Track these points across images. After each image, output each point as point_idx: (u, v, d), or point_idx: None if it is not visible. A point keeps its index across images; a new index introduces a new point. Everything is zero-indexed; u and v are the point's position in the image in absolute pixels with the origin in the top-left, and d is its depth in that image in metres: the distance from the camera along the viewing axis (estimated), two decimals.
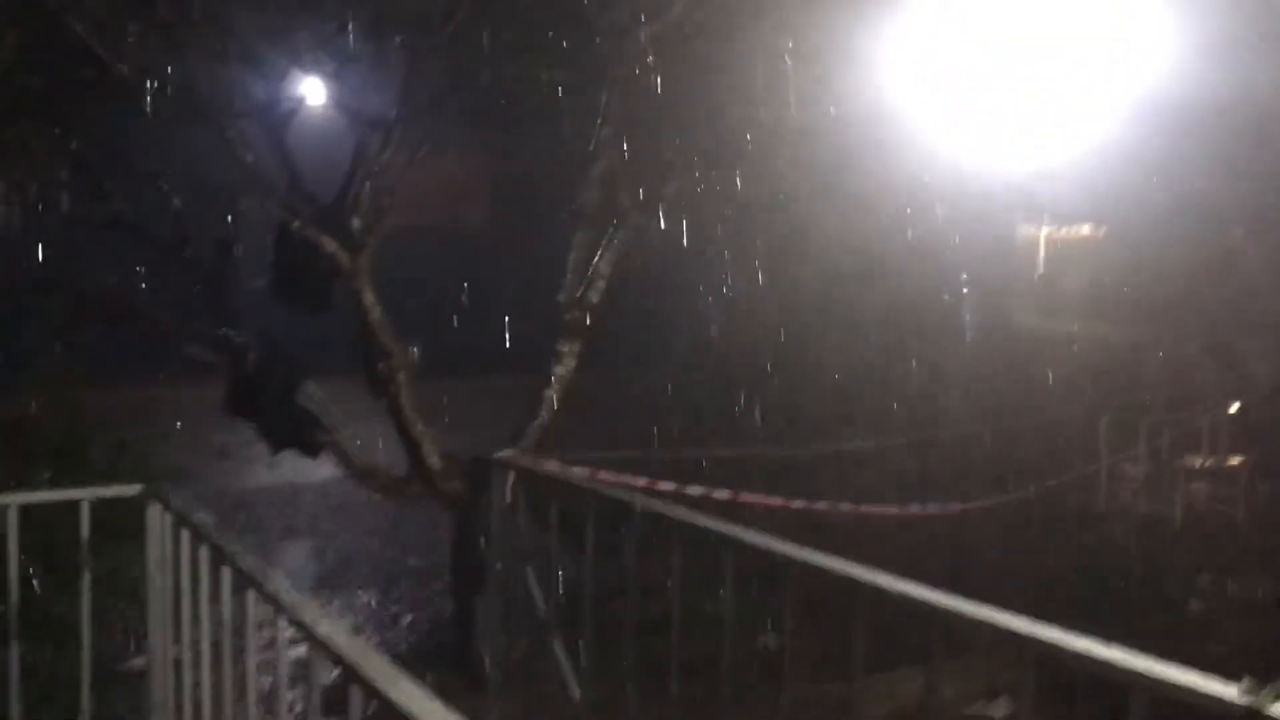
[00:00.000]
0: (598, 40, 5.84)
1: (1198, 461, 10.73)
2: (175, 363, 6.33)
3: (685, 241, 6.96)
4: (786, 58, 6.59)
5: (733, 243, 8.02)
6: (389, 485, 6.57)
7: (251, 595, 3.09)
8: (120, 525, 4.52)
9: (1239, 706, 2.17)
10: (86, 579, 4.13)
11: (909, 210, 9.39)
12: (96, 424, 5.48)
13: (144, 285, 6.47)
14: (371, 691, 2.31)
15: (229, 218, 6.63)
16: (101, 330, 6.20)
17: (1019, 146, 8.95)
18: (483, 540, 6.22)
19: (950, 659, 6.15)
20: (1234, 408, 10.80)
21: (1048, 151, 9.11)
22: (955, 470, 9.36)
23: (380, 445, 6.68)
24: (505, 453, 4.85)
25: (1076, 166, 10.46)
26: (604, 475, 4.79)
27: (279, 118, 6.32)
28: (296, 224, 5.84)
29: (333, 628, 2.61)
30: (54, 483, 4.76)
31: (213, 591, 3.44)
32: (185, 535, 3.74)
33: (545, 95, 5.92)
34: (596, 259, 6.41)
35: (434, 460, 6.29)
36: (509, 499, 4.78)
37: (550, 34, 5.87)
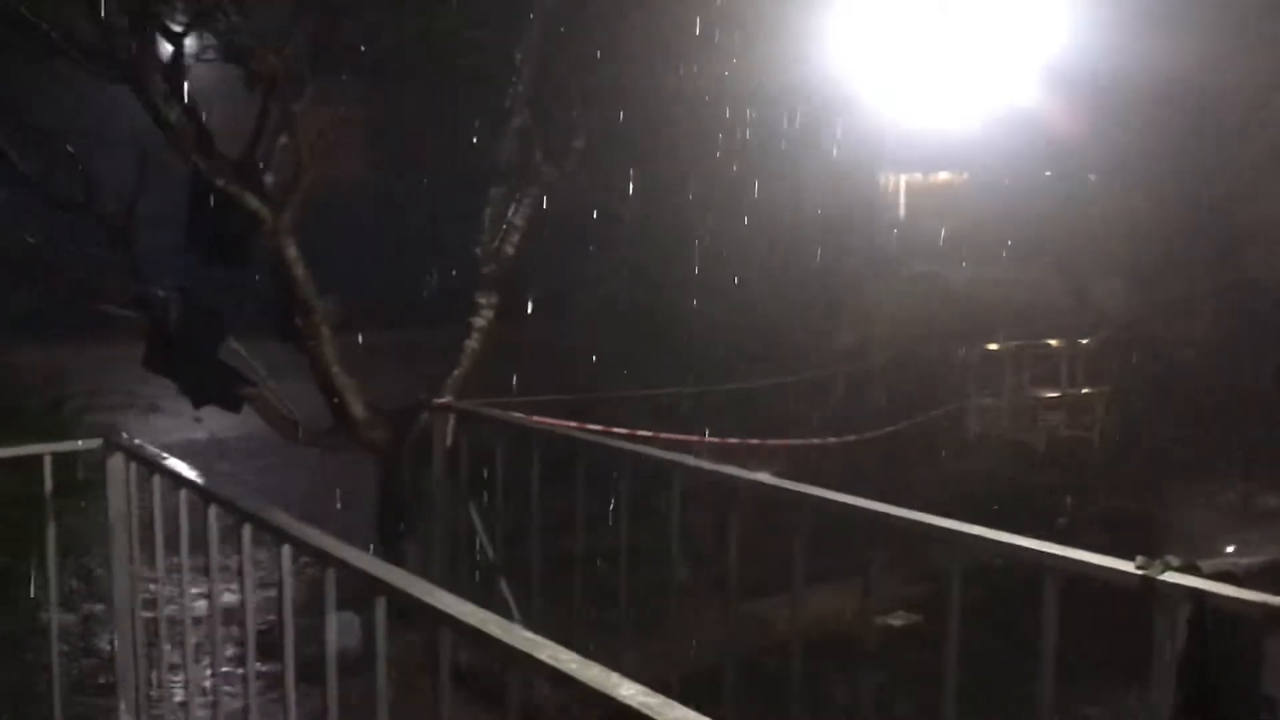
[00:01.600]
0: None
1: (1057, 393, 11.58)
2: (89, 319, 6.35)
3: (593, 194, 7.24)
4: (687, 20, 6.91)
5: (636, 194, 8.33)
6: (313, 437, 6.72)
7: (247, 530, 3.32)
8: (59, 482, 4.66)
9: (1136, 577, 2.64)
10: (51, 533, 4.25)
11: (793, 165, 9.89)
12: (23, 384, 5.52)
13: (57, 243, 6.43)
14: (403, 598, 2.61)
15: (139, 174, 6.62)
16: (17, 289, 6.18)
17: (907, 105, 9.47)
18: (408, 485, 6.49)
19: (849, 576, 6.71)
20: (1088, 342, 11.65)
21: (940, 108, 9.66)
22: (838, 405, 9.93)
23: (300, 397, 6.81)
24: (446, 397, 5.10)
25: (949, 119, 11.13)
26: (537, 418, 5.09)
27: (181, 71, 6.33)
28: (221, 181, 5.91)
29: (350, 550, 2.89)
30: None
31: (195, 534, 3.65)
32: (157, 481, 3.92)
33: (461, 52, 6.10)
34: (511, 213, 6.64)
35: (358, 410, 6.47)
36: (450, 442, 5.03)
37: None
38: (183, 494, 3.72)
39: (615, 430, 5.66)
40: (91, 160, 6.74)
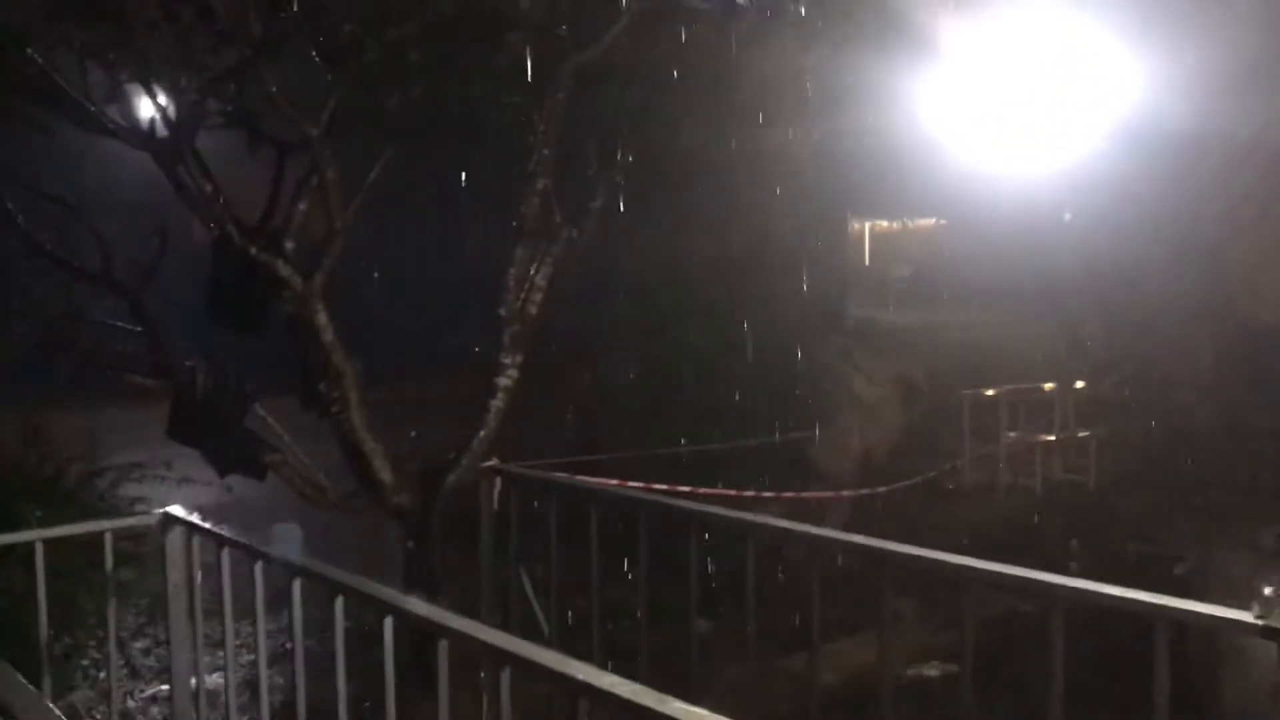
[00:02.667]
0: (536, 66, 6.13)
1: (1051, 437, 11.71)
2: (121, 385, 6.31)
3: (609, 251, 7.30)
4: (701, 80, 7.06)
5: (649, 252, 8.41)
6: (337, 502, 6.66)
7: (339, 604, 3.30)
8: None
9: (1256, 625, 2.68)
10: (113, 606, 4.21)
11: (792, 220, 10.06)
12: (59, 454, 5.48)
13: (78, 312, 6.39)
14: (531, 669, 2.60)
15: (159, 244, 6.60)
16: (50, 356, 6.14)
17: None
18: (438, 549, 6.46)
19: (867, 632, 6.71)
20: (1079, 385, 11.81)
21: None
22: (848, 459, 9.99)
23: (321, 460, 6.75)
24: (492, 460, 5.09)
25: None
26: (582, 478, 5.10)
27: (190, 137, 6.31)
28: (253, 249, 5.91)
29: (465, 621, 2.88)
30: (43, 520, 4.77)
31: (275, 603, 3.62)
32: (226, 555, 3.88)
33: (489, 115, 6.17)
34: (533, 273, 6.66)
35: (385, 475, 6.42)
36: (497, 505, 5.02)
37: (490, 58, 6.13)
38: (257, 567, 3.69)
39: (656, 486, 5.67)
40: (104, 227, 6.72)
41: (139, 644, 5.58)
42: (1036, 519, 10.07)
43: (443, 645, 2.88)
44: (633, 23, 6.27)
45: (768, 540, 3.94)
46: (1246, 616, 2.70)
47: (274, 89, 5.66)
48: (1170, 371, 10.01)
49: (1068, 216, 13.39)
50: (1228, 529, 7.51)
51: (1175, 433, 9.60)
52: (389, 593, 3.12)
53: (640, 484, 5.57)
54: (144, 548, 4.65)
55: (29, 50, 5.35)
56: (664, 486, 5.82)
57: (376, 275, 10.56)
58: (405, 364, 10.40)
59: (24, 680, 2.61)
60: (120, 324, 6.49)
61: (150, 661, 6.13)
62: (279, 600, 3.67)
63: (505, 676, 2.69)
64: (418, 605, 3.01)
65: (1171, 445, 9.52)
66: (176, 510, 4.21)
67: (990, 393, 11.70)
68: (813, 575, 3.73)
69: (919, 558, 3.43)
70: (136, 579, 4.90)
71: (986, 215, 13.60)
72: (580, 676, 2.45)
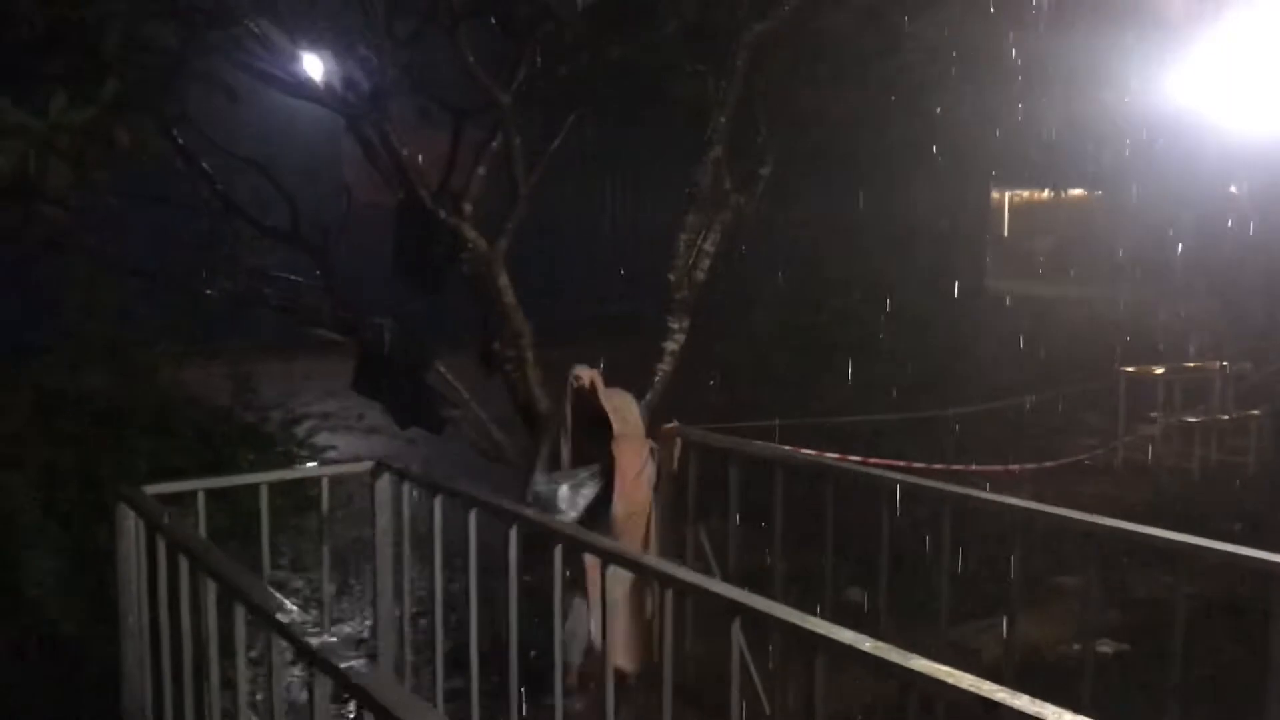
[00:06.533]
0: (714, 34, 6.20)
1: (1209, 417, 11.36)
2: (297, 338, 6.61)
3: (774, 219, 7.35)
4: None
5: (813, 221, 8.42)
6: (513, 458, 6.88)
7: (558, 552, 3.47)
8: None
9: None
10: (326, 551, 4.48)
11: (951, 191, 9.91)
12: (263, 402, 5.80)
13: (270, 271, 6.71)
14: (767, 620, 2.71)
15: (346, 206, 6.90)
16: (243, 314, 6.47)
17: None
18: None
19: (1034, 608, 6.65)
20: (1240, 363, 11.45)
21: None
22: (995, 435, 9.89)
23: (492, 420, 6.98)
24: (673, 423, 5.23)
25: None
26: (760, 443, 5.18)
27: (385, 102, 6.53)
28: (442, 212, 6.14)
29: (695, 575, 3.02)
30: (254, 464, 5.08)
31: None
32: (439, 502, 4.09)
33: (674, 83, 6.28)
34: (701, 240, 6.76)
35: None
36: (675, 467, 5.15)
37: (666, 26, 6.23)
38: (472, 514, 3.89)
39: (827, 455, 5.74)
40: (291, 189, 7.01)
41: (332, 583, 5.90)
42: (1196, 501, 9.80)
43: (665, 595, 3.02)
44: None
45: (964, 511, 3.99)
46: None
47: (471, 58, 5.81)
48: None
49: (1233, 189, 12.95)
50: None
51: None
52: (612, 544, 3.27)
53: (812, 451, 5.64)
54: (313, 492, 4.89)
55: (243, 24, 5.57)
56: (835, 456, 5.89)
57: (543, 237, 10.76)
58: (567, 325, 10.61)
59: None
60: (307, 281, 6.80)
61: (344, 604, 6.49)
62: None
63: (736, 626, 2.81)
64: (650, 559, 3.15)
65: None
66: (387, 460, 4.45)
67: (1134, 370, 11.42)
68: (1015, 548, 3.77)
69: (1129, 531, 3.44)
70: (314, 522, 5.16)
71: (1144, 189, 13.19)
72: (821, 631, 2.55)
